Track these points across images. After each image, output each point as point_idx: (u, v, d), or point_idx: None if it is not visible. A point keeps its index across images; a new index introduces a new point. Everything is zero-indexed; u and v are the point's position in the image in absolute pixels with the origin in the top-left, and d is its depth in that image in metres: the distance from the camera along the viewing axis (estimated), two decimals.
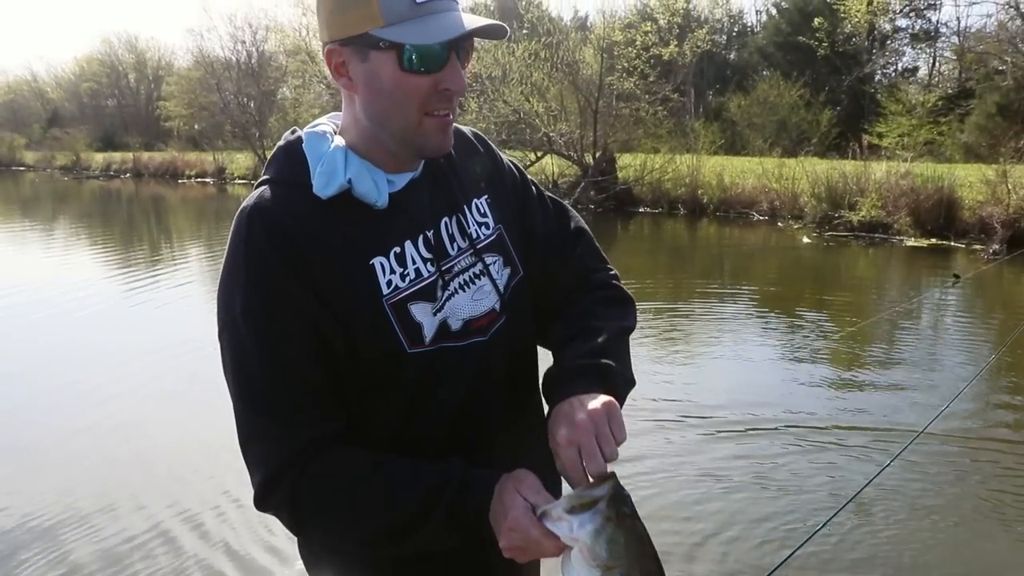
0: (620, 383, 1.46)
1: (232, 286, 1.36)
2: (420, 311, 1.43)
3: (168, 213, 28.80)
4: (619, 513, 1.19)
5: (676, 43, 32.56)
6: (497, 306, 1.54)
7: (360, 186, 1.40)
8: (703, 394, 7.08)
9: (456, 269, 1.50)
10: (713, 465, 5.53)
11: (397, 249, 1.43)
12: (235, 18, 56.80)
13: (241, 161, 41.93)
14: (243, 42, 49.20)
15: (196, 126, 51.36)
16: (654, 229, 21.37)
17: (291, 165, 1.44)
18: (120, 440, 5.97)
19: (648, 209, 23.78)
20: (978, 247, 16.04)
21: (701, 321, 10.22)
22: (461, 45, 1.37)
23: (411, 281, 1.43)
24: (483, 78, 25.03)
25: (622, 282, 1.73)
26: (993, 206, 16.54)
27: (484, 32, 1.35)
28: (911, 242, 16.96)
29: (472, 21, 1.34)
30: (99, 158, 54.41)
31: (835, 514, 3.57)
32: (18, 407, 6.84)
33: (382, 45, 1.32)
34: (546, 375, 1.53)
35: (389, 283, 1.41)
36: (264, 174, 1.47)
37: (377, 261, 1.41)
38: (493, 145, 1.73)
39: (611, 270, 1.75)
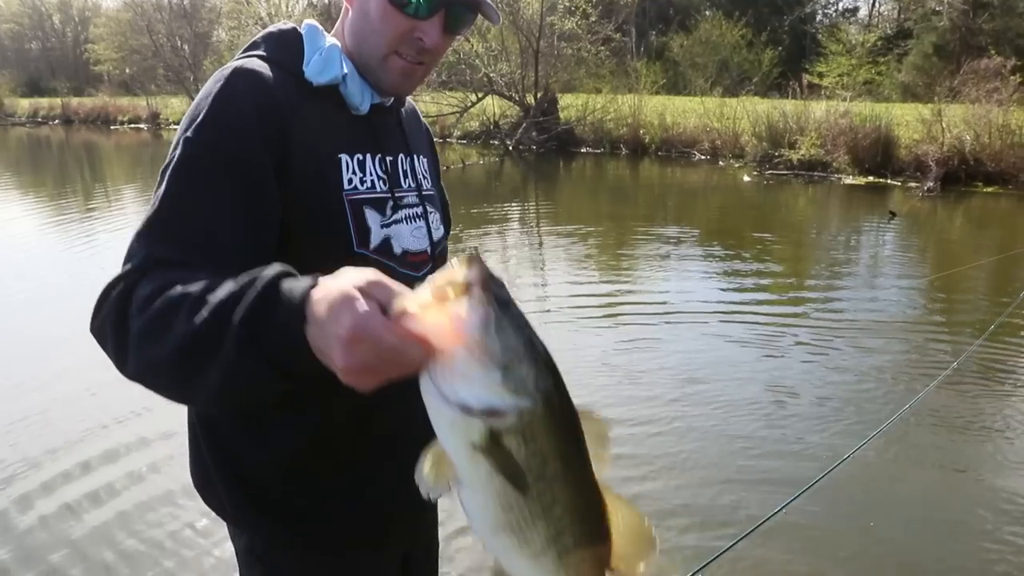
0: None
1: (193, 114, 1.33)
2: (372, 218, 1.46)
3: (102, 160, 27.88)
4: (500, 298, 0.92)
5: None
6: (429, 250, 1.60)
7: (351, 85, 1.45)
8: (651, 334, 7.11)
9: (404, 202, 1.55)
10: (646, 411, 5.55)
11: (360, 156, 1.47)
12: None
13: (176, 106, 40.67)
14: None
15: (128, 70, 49.62)
16: (596, 169, 21.35)
17: (282, 48, 1.46)
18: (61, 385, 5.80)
19: (590, 149, 23.73)
20: (913, 185, 16.35)
21: (644, 271, 10.21)
22: (456, 13, 1.44)
23: (367, 188, 1.47)
24: None
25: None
26: (928, 144, 16.85)
27: (474, 5, 1.45)
28: (849, 180, 17.22)
29: None
30: (25, 104, 52.31)
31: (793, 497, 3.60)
32: None
33: None
34: None
35: (350, 181, 1.44)
36: (247, 52, 1.47)
37: (343, 157, 1.44)
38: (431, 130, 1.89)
39: None
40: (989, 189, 15.92)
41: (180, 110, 39.77)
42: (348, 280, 0.95)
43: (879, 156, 17.52)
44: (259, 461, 1.46)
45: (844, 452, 3.83)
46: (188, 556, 3.77)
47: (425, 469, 0.97)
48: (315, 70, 1.42)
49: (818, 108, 19.54)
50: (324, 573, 1.57)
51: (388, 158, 1.53)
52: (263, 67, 1.39)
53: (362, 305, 0.92)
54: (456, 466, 0.95)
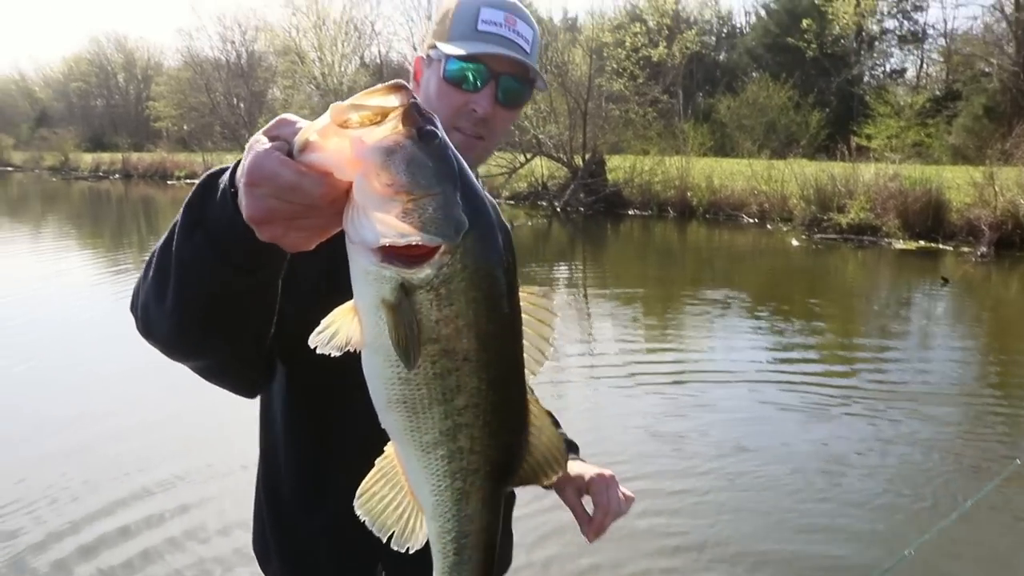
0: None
1: None
2: None
3: (158, 214, 28.61)
4: (423, 131, 0.82)
5: (665, 44, 32.77)
6: None
7: None
8: (698, 400, 7.09)
9: None
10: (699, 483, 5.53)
11: None
12: (224, 18, 56.96)
13: (230, 162, 41.52)
14: (232, 42, 49.44)
15: (185, 127, 51.27)
16: (644, 232, 21.42)
17: None
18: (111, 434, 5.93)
19: (637, 211, 23.83)
20: (966, 249, 16.13)
21: (691, 333, 10.21)
22: (506, 84, 1.54)
23: None
24: None
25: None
26: (981, 208, 16.64)
27: (519, 73, 1.53)
28: (900, 244, 17.04)
29: (511, 55, 1.51)
30: (88, 159, 54.21)
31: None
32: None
33: (434, 55, 1.54)
34: None
35: None
36: None
37: None
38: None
39: None
40: None
41: None
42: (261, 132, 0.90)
43: (930, 220, 17.33)
44: (311, 535, 1.52)
45: (899, 537, 3.75)
46: None
47: (321, 326, 0.88)
48: None
49: (867, 171, 19.44)
50: None
51: None
52: None
53: (262, 145, 0.86)
54: (364, 325, 0.86)
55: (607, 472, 1.66)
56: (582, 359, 8.37)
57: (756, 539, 4.60)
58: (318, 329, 0.87)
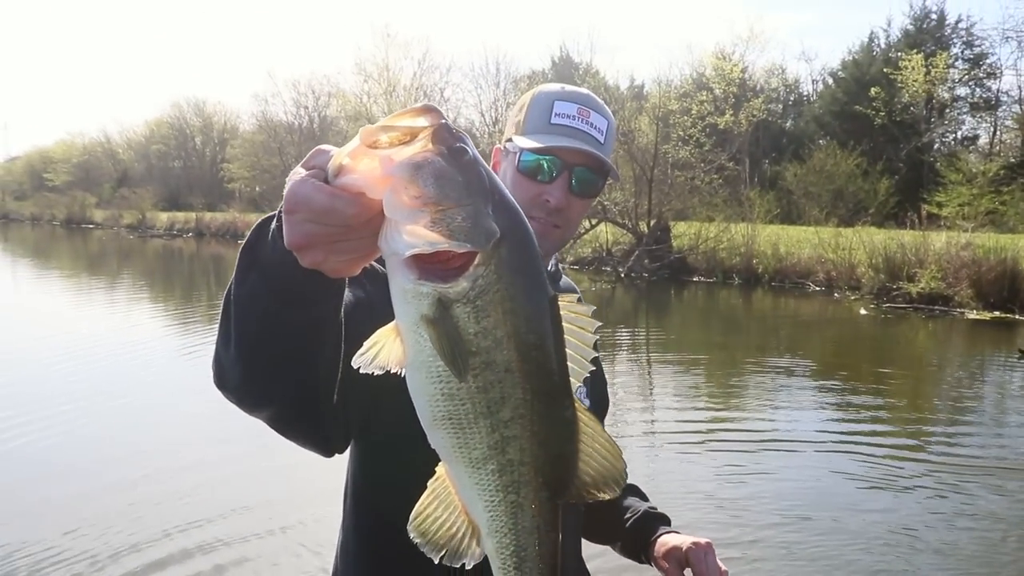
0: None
1: None
2: None
3: (227, 272, 29.17)
4: (452, 148, 0.83)
5: (732, 112, 32.88)
6: None
7: None
8: (761, 466, 6.98)
9: None
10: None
11: None
12: (299, 84, 58.39)
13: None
14: (306, 107, 50.89)
15: (257, 188, 52.74)
16: (708, 299, 21.28)
17: None
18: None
19: (703, 278, 23.70)
20: None
21: (755, 401, 10.08)
22: (580, 175, 1.61)
23: None
24: None
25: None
26: None
27: (592, 165, 1.61)
28: (973, 315, 16.62)
29: (583, 148, 1.57)
30: (163, 217, 56.06)
31: None
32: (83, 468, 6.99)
33: (510, 147, 1.62)
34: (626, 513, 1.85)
35: None
36: None
37: None
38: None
39: None
40: None
41: None
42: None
43: (1005, 290, 16.86)
44: None
45: None
46: None
47: (364, 347, 0.89)
48: None
49: (938, 239, 19.09)
50: None
51: None
52: None
53: (298, 175, 0.90)
54: (406, 343, 0.86)
55: (702, 540, 1.69)
56: (643, 424, 8.32)
57: None
58: (361, 350, 0.88)
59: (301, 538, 5.29)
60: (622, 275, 23.72)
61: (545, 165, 1.58)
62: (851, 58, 46.86)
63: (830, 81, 49.24)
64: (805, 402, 9.72)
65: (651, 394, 10.07)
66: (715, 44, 52.41)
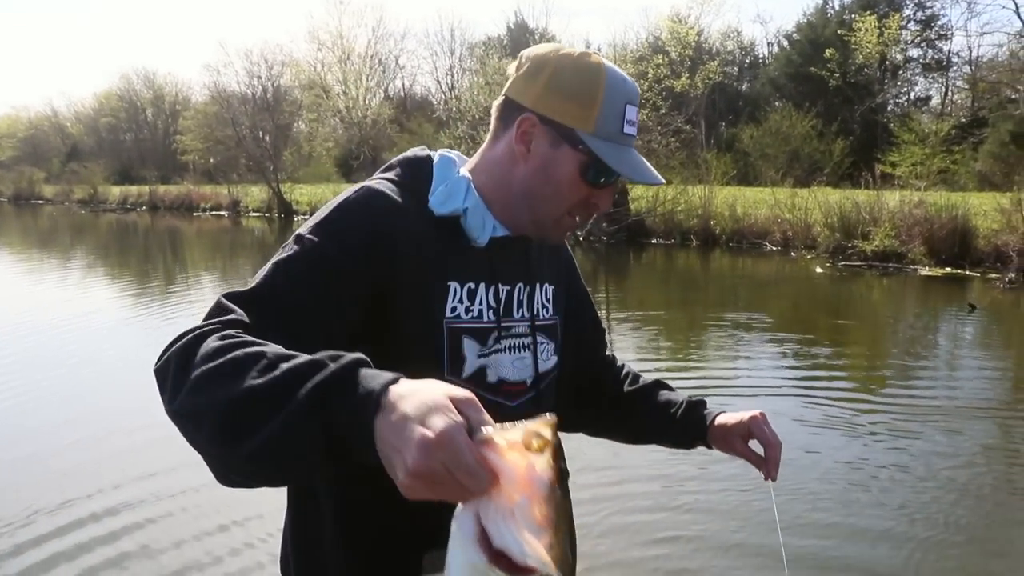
0: None
1: (317, 216, 1.42)
2: (469, 347, 1.49)
3: (183, 245, 29.02)
4: (562, 468, 0.93)
5: (688, 75, 32.83)
6: (529, 381, 1.61)
7: (471, 218, 1.49)
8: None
9: (512, 332, 1.58)
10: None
11: (471, 285, 1.50)
12: (251, 53, 57.21)
13: (255, 194, 42.28)
14: (259, 77, 49.91)
15: (212, 160, 51.85)
16: (667, 260, 21.39)
17: (414, 174, 1.53)
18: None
19: (660, 240, 23.83)
20: (993, 276, 15.96)
21: (715, 353, 10.17)
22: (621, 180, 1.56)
23: (472, 318, 1.50)
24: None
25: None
26: (1008, 234, 16.51)
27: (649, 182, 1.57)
28: (925, 271, 16.89)
29: (653, 173, 1.54)
30: (116, 191, 55.10)
31: None
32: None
33: (580, 148, 1.45)
34: (671, 405, 1.90)
35: (453, 309, 1.47)
36: (384, 171, 1.56)
37: (453, 285, 1.48)
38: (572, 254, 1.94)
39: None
40: None
41: (259, 198, 41.42)
42: (445, 389, 0.94)
43: (956, 247, 17.16)
44: None
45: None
46: None
47: None
48: (438, 200, 1.48)
49: (892, 198, 19.34)
50: None
51: (504, 287, 1.56)
52: (393, 191, 1.46)
53: (456, 416, 0.90)
54: None
55: (757, 412, 1.73)
56: None
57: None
58: None
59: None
60: (580, 238, 23.73)
61: (607, 179, 1.51)
62: (805, 20, 47.18)
63: (785, 43, 49.59)
64: (763, 354, 9.84)
65: (611, 348, 10.06)
66: (671, 7, 52.54)
